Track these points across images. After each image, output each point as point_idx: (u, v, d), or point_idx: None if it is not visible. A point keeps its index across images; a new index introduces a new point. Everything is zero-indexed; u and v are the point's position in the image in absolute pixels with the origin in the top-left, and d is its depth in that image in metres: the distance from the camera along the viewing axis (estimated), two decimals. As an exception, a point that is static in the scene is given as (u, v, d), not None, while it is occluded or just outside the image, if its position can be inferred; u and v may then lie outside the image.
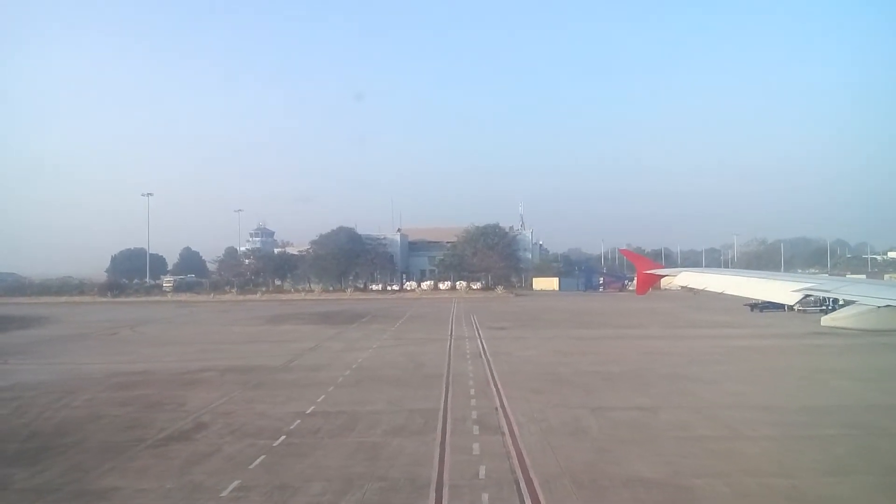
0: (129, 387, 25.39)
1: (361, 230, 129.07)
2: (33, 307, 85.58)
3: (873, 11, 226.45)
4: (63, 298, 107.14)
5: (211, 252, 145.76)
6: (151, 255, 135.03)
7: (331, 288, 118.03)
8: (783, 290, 11.48)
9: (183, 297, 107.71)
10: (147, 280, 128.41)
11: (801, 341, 36.53)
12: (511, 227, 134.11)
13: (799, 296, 11.00)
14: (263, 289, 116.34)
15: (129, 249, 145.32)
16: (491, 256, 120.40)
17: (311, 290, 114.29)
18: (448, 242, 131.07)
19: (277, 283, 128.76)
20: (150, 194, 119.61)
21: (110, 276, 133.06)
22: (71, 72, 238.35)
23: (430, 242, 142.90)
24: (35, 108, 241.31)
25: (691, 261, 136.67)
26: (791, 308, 45.63)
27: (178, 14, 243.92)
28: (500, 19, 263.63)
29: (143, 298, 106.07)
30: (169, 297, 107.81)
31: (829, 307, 21.17)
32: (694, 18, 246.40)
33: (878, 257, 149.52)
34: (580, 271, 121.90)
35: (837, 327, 9.87)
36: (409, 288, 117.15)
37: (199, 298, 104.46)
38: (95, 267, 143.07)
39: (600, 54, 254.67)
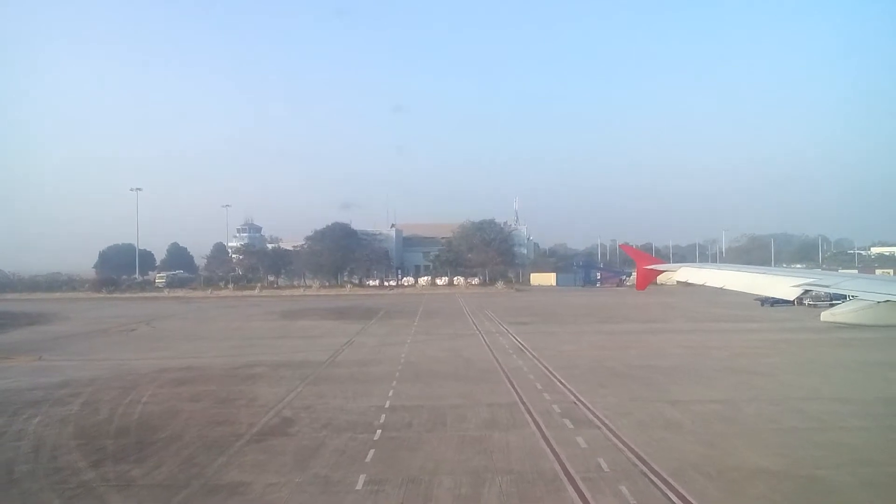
0: (186, 382, 25.19)
1: (355, 226, 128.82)
2: (30, 304, 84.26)
3: (850, 8, 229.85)
4: (56, 295, 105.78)
5: (198, 248, 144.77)
6: (140, 250, 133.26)
7: (327, 283, 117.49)
8: (783, 285, 11.57)
9: (179, 293, 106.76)
10: (137, 276, 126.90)
11: (829, 335, 36.89)
12: (505, 223, 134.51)
13: (799, 291, 11.00)
14: (260, 284, 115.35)
15: (117, 245, 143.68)
16: (487, 252, 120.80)
17: (309, 286, 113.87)
18: (442, 238, 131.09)
19: (270, 278, 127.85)
20: (139, 189, 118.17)
21: (99, 272, 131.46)
22: (57, 67, 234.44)
23: (424, 238, 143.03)
24: (20, 103, 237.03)
25: (679, 256, 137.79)
26: (801, 303, 46.57)
27: (165, 12, 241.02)
28: (492, 17, 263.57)
29: (139, 294, 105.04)
30: (165, 293, 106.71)
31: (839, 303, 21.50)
32: (679, 18, 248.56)
33: (863, 252, 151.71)
34: (578, 267, 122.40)
35: (837, 322, 9.95)
36: (406, 283, 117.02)
37: (197, 294, 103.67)
38: (81, 262, 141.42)
39: (589, 54, 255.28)
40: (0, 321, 56.39)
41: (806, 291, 11.66)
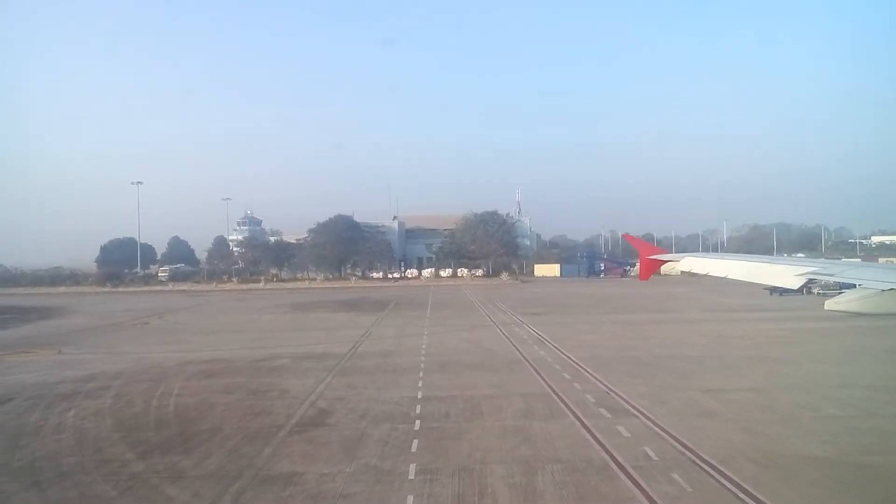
0: (214, 375, 25.23)
1: (357, 218, 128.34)
2: (36, 298, 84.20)
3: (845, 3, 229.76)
4: (61, 289, 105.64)
5: (198, 241, 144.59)
6: (141, 244, 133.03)
7: (331, 276, 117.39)
8: (786, 274, 11.51)
9: (183, 286, 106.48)
10: (138, 270, 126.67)
11: (846, 323, 36.84)
12: (508, 214, 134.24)
13: (802, 280, 10.95)
14: (264, 277, 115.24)
15: (118, 239, 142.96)
16: (490, 243, 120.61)
17: (313, 279, 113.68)
18: (445, 230, 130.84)
19: (273, 271, 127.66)
20: (140, 183, 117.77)
21: (100, 266, 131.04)
22: (59, 64, 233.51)
23: (426, 230, 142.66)
24: (21, 98, 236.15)
25: (680, 247, 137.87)
26: (809, 291, 46.62)
27: (162, 6, 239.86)
28: (493, 10, 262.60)
29: (144, 288, 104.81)
30: (170, 286, 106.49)
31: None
32: (678, 12, 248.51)
33: (864, 241, 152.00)
34: (582, 258, 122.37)
35: (841, 311, 9.89)
36: (409, 276, 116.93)
37: (202, 288, 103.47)
38: (81, 257, 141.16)
39: (590, 45, 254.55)
40: (11, 316, 56.43)
41: (811, 280, 11.56)
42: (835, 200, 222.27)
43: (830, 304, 10.07)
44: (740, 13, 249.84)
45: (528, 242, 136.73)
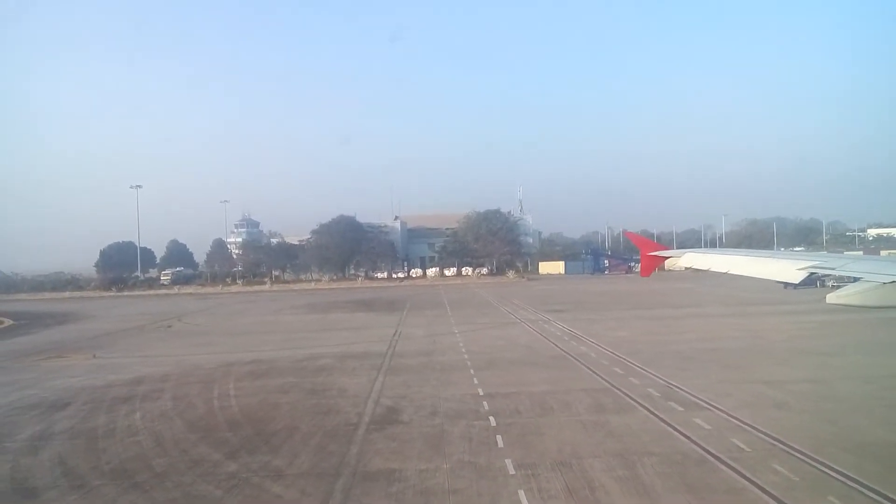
0: (262, 375, 25.24)
1: (359, 218, 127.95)
2: (43, 304, 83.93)
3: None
4: (65, 294, 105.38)
5: (196, 244, 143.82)
6: (140, 248, 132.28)
7: (335, 277, 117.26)
8: (788, 268, 11.59)
9: (189, 289, 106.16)
10: (138, 273, 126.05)
11: (871, 315, 37.10)
12: (509, 212, 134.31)
13: (804, 274, 11.03)
14: (269, 279, 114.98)
15: (118, 243, 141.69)
16: (493, 242, 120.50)
17: (319, 280, 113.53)
18: (447, 229, 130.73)
19: (275, 273, 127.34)
20: (140, 186, 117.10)
21: (100, 271, 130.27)
22: (55, 66, 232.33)
23: (428, 229, 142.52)
24: (17, 99, 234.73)
25: (678, 242, 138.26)
26: (823, 284, 46.85)
27: (158, 9, 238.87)
28: (491, 10, 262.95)
29: (149, 292, 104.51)
30: (176, 290, 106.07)
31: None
32: (675, 10, 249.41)
33: (861, 234, 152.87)
34: (587, 254, 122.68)
35: (842, 304, 9.87)
36: (414, 275, 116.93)
37: (208, 290, 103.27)
38: (78, 261, 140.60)
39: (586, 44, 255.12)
40: (27, 321, 56.20)
41: (811, 274, 11.58)
42: (828, 195, 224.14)
43: (832, 298, 10.08)
44: (736, 8, 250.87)
45: (531, 240, 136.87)
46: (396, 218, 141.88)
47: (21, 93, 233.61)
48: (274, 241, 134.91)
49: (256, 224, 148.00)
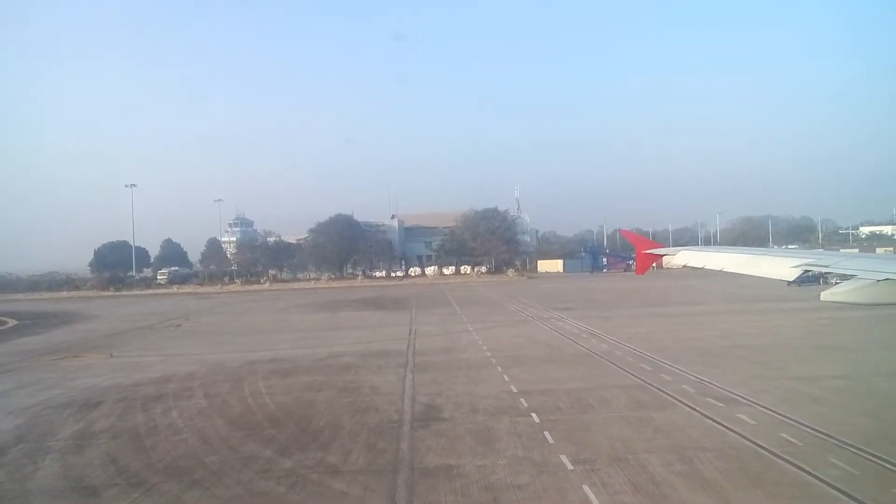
0: (289, 374, 25.20)
1: (355, 217, 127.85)
2: (43, 303, 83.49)
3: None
4: (63, 294, 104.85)
5: (190, 243, 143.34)
6: (134, 247, 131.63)
7: (333, 276, 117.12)
8: (782, 266, 11.57)
9: (187, 289, 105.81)
10: (133, 273, 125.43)
11: (881, 312, 37.47)
12: (506, 211, 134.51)
13: (798, 271, 11.09)
14: (268, 278, 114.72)
15: (112, 242, 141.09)
16: (492, 241, 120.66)
17: (318, 279, 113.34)
18: (445, 227, 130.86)
19: (272, 272, 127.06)
20: (134, 185, 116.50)
21: (95, 270, 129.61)
22: (51, 66, 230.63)
23: (425, 228, 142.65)
24: (10, 102, 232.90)
25: (674, 240, 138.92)
26: (827, 281, 47.20)
27: (153, 8, 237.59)
28: (489, 10, 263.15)
29: (147, 291, 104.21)
30: (174, 289, 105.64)
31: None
32: (672, 7, 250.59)
33: (854, 232, 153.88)
34: (586, 252, 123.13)
35: (837, 301, 9.83)
36: (413, 274, 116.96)
37: (206, 290, 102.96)
38: (71, 260, 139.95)
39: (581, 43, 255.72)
40: (31, 321, 55.87)
41: (805, 272, 11.58)
42: (818, 193, 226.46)
43: (826, 296, 10.05)
44: (729, 6, 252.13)
45: (528, 239, 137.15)
46: (393, 217, 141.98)
47: (13, 92, 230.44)
48: (270, 239, 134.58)
49: (250, 223, 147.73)
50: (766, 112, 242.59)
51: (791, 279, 11.31)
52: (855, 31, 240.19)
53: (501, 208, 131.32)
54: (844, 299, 9.65)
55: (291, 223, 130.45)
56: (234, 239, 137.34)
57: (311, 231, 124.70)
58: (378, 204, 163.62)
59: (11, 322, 56.11)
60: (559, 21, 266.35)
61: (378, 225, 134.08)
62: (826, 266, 10.92)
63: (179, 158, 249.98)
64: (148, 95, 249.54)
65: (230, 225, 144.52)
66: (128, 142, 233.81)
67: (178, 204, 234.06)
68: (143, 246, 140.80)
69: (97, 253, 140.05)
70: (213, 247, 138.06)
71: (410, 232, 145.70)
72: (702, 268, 14.64)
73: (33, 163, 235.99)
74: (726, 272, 13.37)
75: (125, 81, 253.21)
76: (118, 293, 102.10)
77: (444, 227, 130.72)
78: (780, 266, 11.67)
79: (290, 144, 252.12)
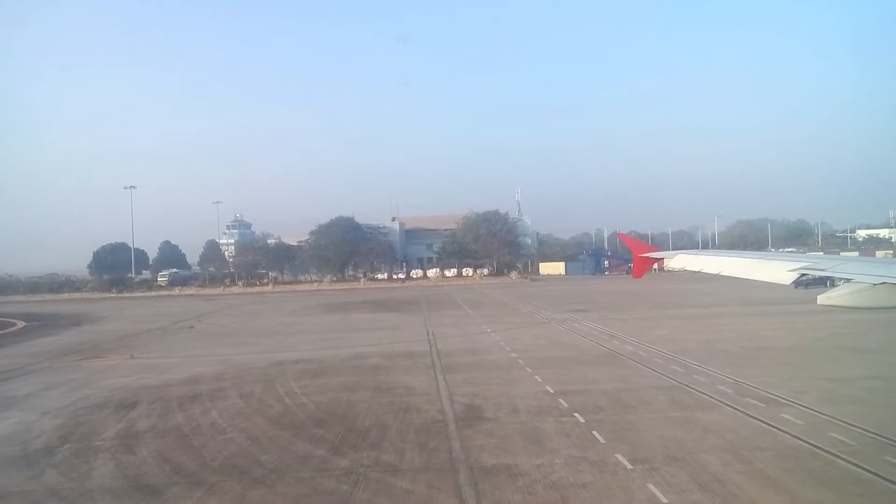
0: (319, 374, 25.23)
1: (357, 219, 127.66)
2: (47, 305, 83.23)
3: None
4: (64, 296, 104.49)
5: (188, 245, 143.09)
6: (133, 249, 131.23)
7: (335, 278, 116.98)
8: (779, 269, 11.69)
9: (189, 290, 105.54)
10: (132, 275, 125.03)
11: (885, 315, 37.65)
12: (506, 213, 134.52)
13: (795, 275, 11.11)
14: (270, 281, 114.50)
15: (111, 244, 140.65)
16: (493, 243, 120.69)
17: (321, 280, 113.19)
18: (446, 230, 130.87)
19: (272, 274, 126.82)
20: (134, 187, 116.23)
21: (94, 272, 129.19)
22: (49, 70, 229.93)
23: (426, 230, 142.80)
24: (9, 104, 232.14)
25: (673, 243, 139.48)
26: (833, 284, 47.45)
27: (154, 10, 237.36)
28: (487, 10, 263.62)
29: (150, 293, 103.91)
30: (177, 291, 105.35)
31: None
32: (670, 10, 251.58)
33: (852, 235, 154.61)
34: (588, 255, 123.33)
35: (833, 305, 9.93)
36: (415, 276, 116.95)
37: (209, 291, 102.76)
38: (69, 261, 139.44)
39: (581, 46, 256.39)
40: (40, 323, 55.71)
41: (802, 275, 11.51)
42: (816, 196, 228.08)
43: (823, 299, 10.13)
44: (727, 10, 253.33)
45: (530, 241, 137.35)
46: (394, 219, 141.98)
47: (13, 95, 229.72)
48: (271, 241, 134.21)
49: (249, 225, 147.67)
50: (764, 117, 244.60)
51: (788, 282, 11.32)
52: (852, 37, 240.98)
53: (502, 211, 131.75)
54: (842, 303, 9.71)
55: (292, 225, 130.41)
56: (232, 241, 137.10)
57: (312, 233, 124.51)
58: (379, 206, 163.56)
59: (20, 324, 55.91)
60: (561, 26, 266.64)
61: (379, 227, 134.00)
62: (823, 270, 11.01)
63: (179, 160, 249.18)
64: (148, 97, 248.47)
65: (228, 227, 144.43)
66: (127, 145, 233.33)
67: (178, 206, 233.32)
68: (141, 248, 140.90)
69: (96, 255, 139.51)
70: (212, 249, 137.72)
71: (411, 234, 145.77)
72: (699, 271, 14.66)
73: (32, 165, 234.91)
74: (723, 276, 13.46)
75: (125, 83, 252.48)
76: (120, 295, 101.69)
77: (445, 230, 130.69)
78: (777, 269, 11.81)
79: (290, 146, 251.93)
